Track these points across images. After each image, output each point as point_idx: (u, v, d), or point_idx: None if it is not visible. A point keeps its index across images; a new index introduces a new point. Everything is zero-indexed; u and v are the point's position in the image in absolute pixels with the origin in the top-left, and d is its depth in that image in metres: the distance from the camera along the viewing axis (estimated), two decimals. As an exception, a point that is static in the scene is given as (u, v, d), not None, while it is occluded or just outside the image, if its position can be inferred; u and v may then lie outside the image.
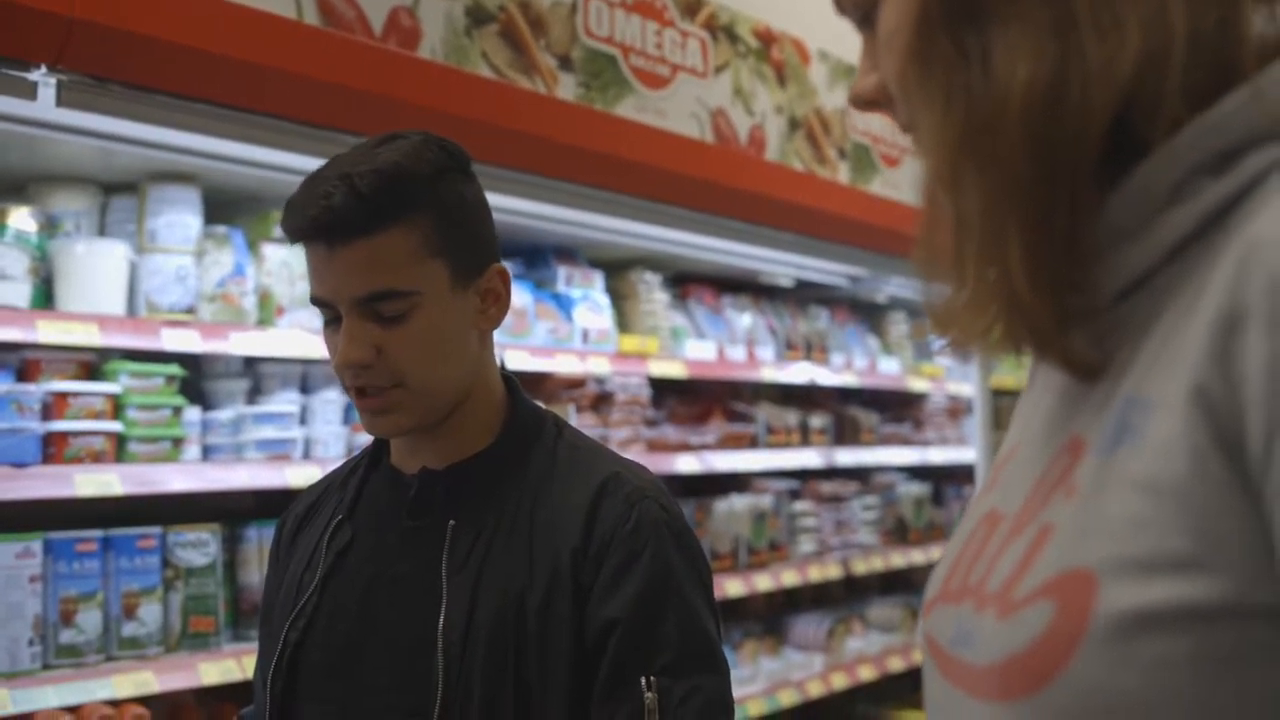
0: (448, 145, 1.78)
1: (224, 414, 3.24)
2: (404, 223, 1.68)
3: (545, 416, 1.87)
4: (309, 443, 3.38)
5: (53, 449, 2.85)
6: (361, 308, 1.67)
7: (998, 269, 0.80)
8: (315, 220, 1.65)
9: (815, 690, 4.76)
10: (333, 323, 1.72)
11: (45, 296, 2.96)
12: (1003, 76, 0.78)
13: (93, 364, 3.05)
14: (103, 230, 3.17)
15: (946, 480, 6.10)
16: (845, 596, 5.55)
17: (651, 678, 1.63)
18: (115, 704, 2.84)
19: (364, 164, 1.67)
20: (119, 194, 3.20)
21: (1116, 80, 0.76)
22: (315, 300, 1.72)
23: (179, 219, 3.13)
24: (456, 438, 1.79)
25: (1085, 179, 0.78)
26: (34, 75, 2.51)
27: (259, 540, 3.25)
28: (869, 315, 5.97)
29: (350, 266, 1.66)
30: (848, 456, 5.31)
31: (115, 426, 2.95)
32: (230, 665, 3.00)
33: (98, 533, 2.95)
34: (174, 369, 3.11)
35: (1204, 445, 0.71)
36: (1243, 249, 0.72)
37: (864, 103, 0.93)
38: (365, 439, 3.38)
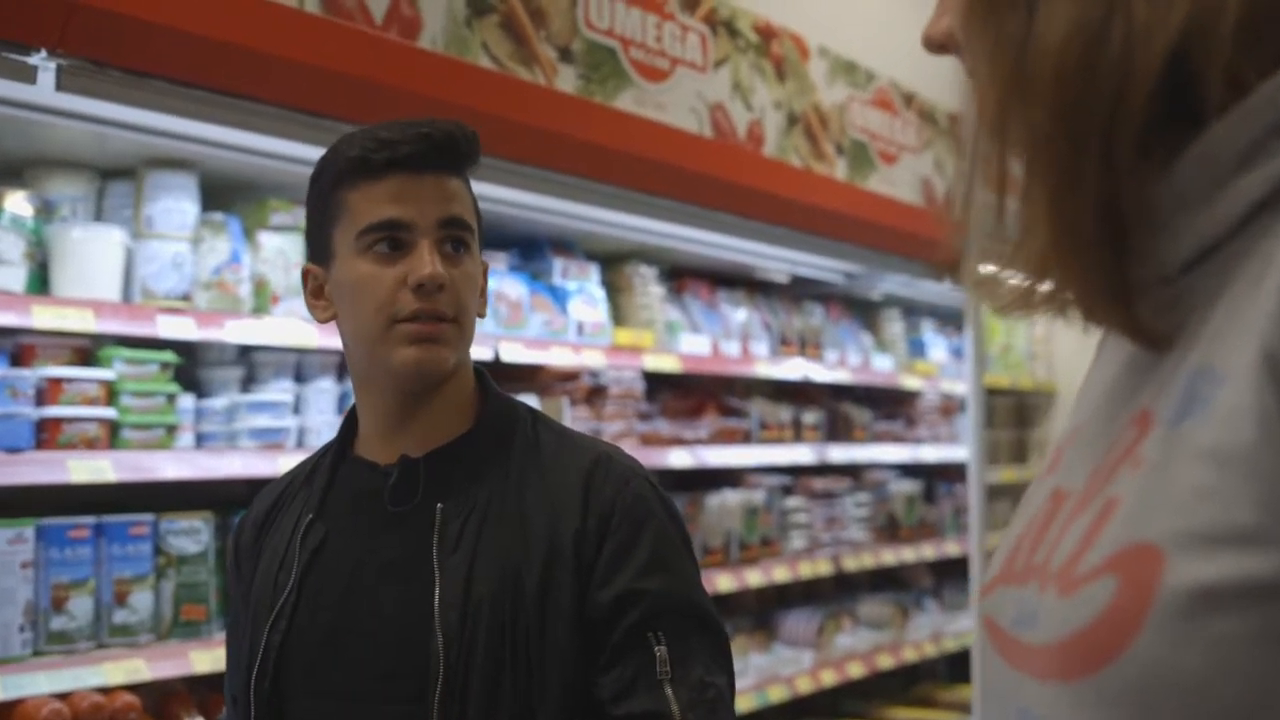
0: None
1: (218, 402, 3.23)
2: (467, 176, 1.83)
3: (517, 404, 1.90)
4: (302, 432, 3.37)
5: (46, 434, 2.84)
6: (440, 232, 1.75)
7: (1026, 227, 0.79)
8: (428, 141, 1.74)
9: (804, 686, 4.77)
10: (393, 251, 1.74)
11: (41, 281, 2.95)
12: (1043, 30, 0.76)
13: (87, 350, 3.04)
14: (99, 215, 3.16)
15: (938, 478, 6.10)
16: (836, 593, 5.55)
17: (660, 632, 1.69)
18: (106, 691, 2.84)
19: (442, 120, 1.79)
20: (116, 179, 3.19)
21: (1161, 43, 0.73)
22: (381, 226, 1.74)
23: (176, 205, 3.12)
24: (433, 425, 1.80)
25: (1126, 144, 0.75)
26: (34, 59, 2.50)
27: (252, 529, 3.24)
28: (863, 312, 5.97)
29: (438, 192, 1.76)
30: (840, 453, 5.31)
31: (109, 413, 2.94)
32: (221, 654, 2.97)
33: (90, 519, 2.94)
34: (169, 356, 3.10)
35: (1273, 412, 0.68)
36: None
37: (934, 46, 0.91)
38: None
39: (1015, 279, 0.83)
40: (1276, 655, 0.67)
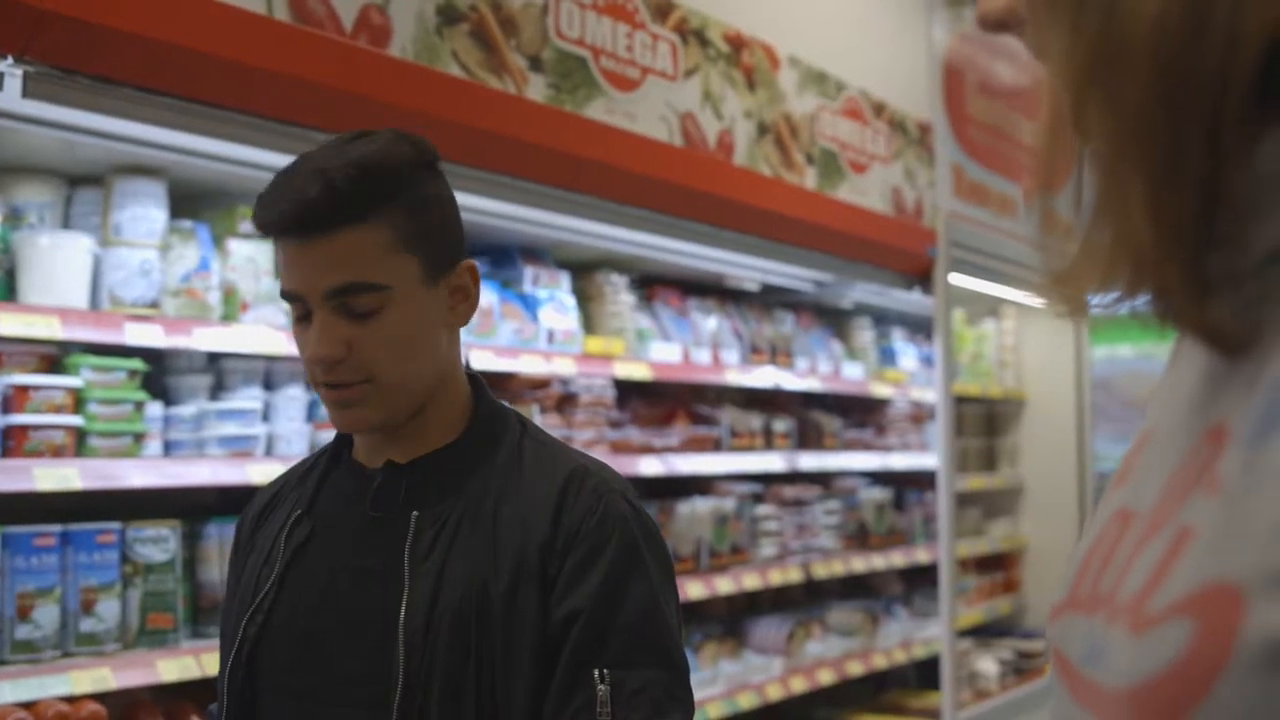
0: (418, 142, 1.80)
1: (186, 409, 3.22)
2: (377, 218, 1.69)
3: (509, 414, 1.89)
4: (272, 439, 3.36)
5: (12, 442, 2.83)
6: (333, 302, 1.69)
7: (1123, 218, 0.70)
8: (289, 214, 1.66)
9: (774, 693, 4.77)
10: (303, 319, 1.73)
11: (7, 288, 2.94)
12: (1130, 3, 0.68)
13: (54, 357, 3.03)
14: (67, 223, 3.15)
15: (908, 485, 6.13)
16: (806, 600, 5.56)
17: (604, 670, 1.65)
18: (72, 700, 2.82)
19: (337, 159, 1.68)
20: (84, 186, 3.18)
21: (1270, 10, 0.64)
22: (285, 295, 1.73)
23: (144, 213, 3.11)
24: (422, 434, 1.81)
25: (1229, 121, 0.66)
26: (1, 66, 2.49)
27: (219, 537, 3.23)
28: (834, 320, 5.99)
29: (323, 260, 1.68)
30: (810, 461, 5.33)
31: (76, 420, 2.93)
32: (189, 662, 2.99)
33: (56, 527, 2.93)
34: (136, 363, 3.09)
35: None
36: None
37: (992, 23, 0.82)
38: (328, 436, 3.38)
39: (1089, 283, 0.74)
40: None
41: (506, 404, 1.93)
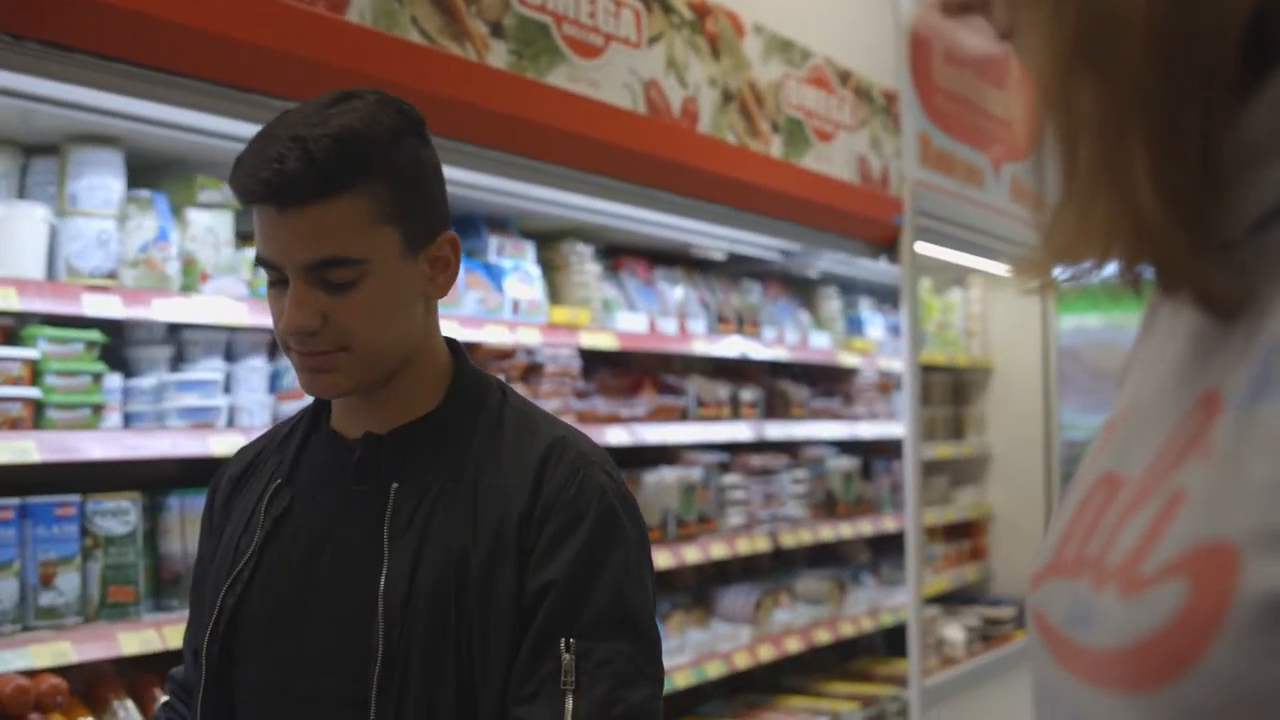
0: (404, 107, 1.76)
1: (146, 381, 3.20)
2: (357, 189, 1.66)
3: (490, 382, 1.88)
4: (233, 411, 3.34)
5: (-32, 415, 2.80)
6: (309, 274, 1.66)
7: (1120, 191, 0.69)
8: (267, 183, 1.63)
9: (742, 662, 4.78)
10: (278, 284, 1.70)
11: (-39, 259, 2.90)
12: None
13: (10, 329, 2.99)
14: (22, 192, 3.11)
15: (875, 454, 6.14)
16: (773, 569, 5.57)
17: (572, 640, 1.64)
18: (32, 674, 2.80)
19: (318, 126, 1.64)
20: (39, 156, 3.13)
21: None
22: (261, 261, 1.70)
23: (101, 182, 3.07)
24: (399, 402, 1.79)
25: (1222, 82, 0.67)
26: (-51, 32, 2.45)
27: (180, 509, 3.21)
28: (801, 290, 5.99)
29: (300, 232, 1.65)
30: (778, 430, 5.33)
31: (33, 393, 2.89)
32: (150, 635, 2.97)
33: (14, 500, 2.90)
34: (95, 335, 3.05)
35: None
36: None
37: (956, 6, 0.81)
38: (291, 407, 3.36)
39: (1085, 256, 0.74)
40: None
41: (486, 373, 1.91)
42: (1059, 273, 0.75)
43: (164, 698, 3.03)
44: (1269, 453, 0.63)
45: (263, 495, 1.83)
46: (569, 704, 1.62)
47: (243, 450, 2.00)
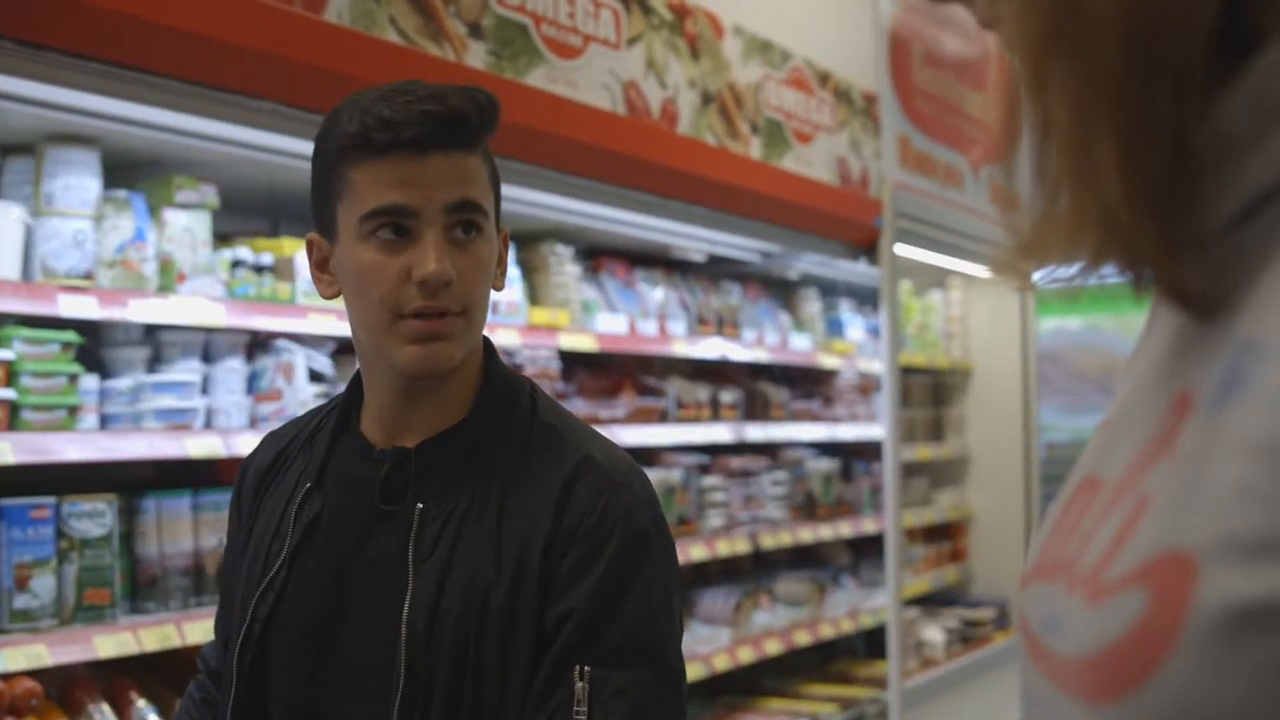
0: None
1: (122, 382, 3.18)
2: (483, 153, 1.73)
3: (521, 385, 1.84)
4: (210, 413, 3.32)
5: (-58, 416, 2.78)
6: (450, 219, 1.66)
7: (1090, 184, 0.67)
8: (434, 116, 1.63)
9: (722, 664, 4.78)
10: (397, 239, 1.66)
11: (-65, 259, 2.88)
12: None
13: (-15, 329, 2.97)
14: (-3, 192, 3.09)
15: (855, 456, 6.14)
16: (753, 571, 5.57)
17: (587, 668, 1.60)
18: (6, 677, 2.78)
19: (453, 91, 1.67)
20: (14, 155, 3.11)
21: None
22: (383, 211, 1.65)
23: (77, 182, 3.05)
24: (438, 406, 1.76)
25: (1193, 73, 0.65)
26: (-78, 30, 2.43)
27: (157, 511, 3.19)
28: (781, 292, 5.99)
29: (446, 174, 1.66)
30: (758, 432, 5.33)
31: (8, 394, 2.87)
32: (126, 638, 2.95)
33: (-11, 502, 2.88)
34: (70, 336, 3.03)
35: None
36: None
37: None
38: (268, 410, 3.35)
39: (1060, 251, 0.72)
40: None
41: (516, 374, 1.88)
42: (1039, 272, 0.74)
43: (142, 703, 3.02)
44: (1231, 457, 0.61)
45: (292, 497, 1.80)
46: None
47: (269, 439, 1.97)
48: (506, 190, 3.74)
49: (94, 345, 3.23)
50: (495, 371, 1.81)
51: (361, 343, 1.77)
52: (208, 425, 3.29)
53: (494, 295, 3.93)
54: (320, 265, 1.78)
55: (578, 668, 1.60)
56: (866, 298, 6.25)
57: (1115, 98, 0.66)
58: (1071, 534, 0.74)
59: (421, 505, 1.71)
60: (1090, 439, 0.83)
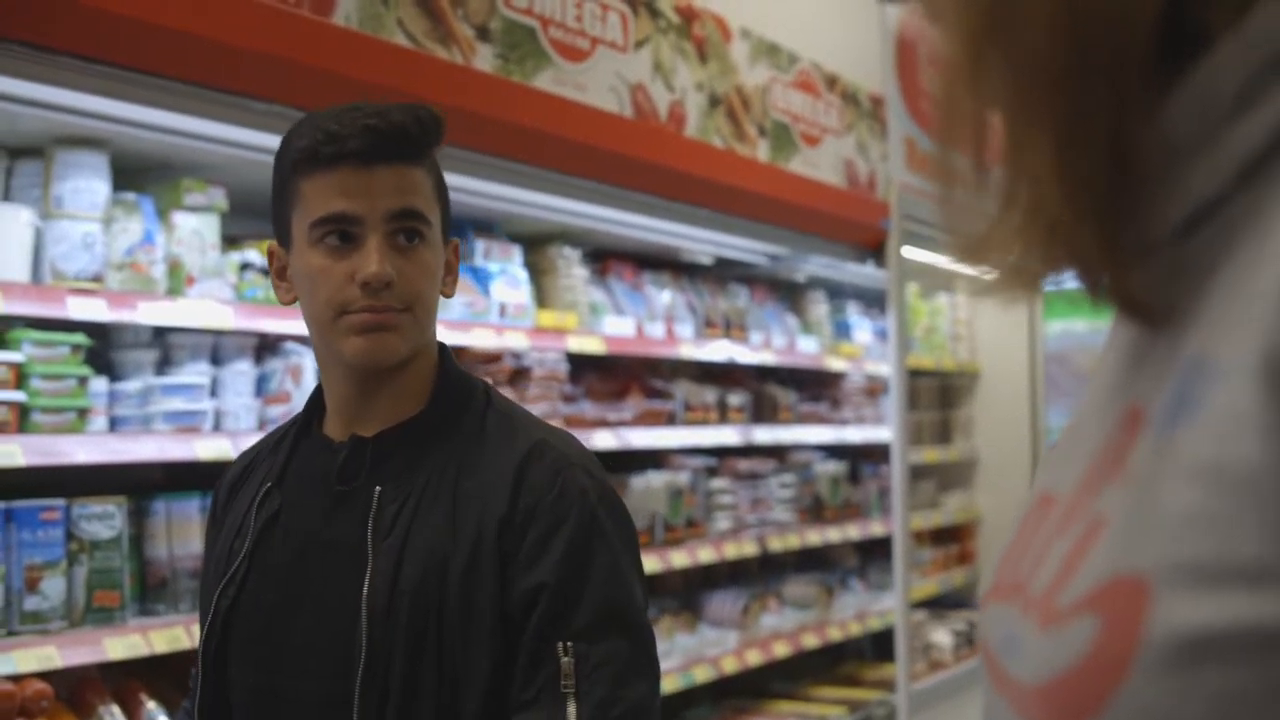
0: None
1: (131, 385, 3.19)
2: (427, 165, 1.82)
3: (475, 384, 1.91)
4: (219, 415, 3.33)
5: (-48, 418, 2.78)
6: (391, 226, 1.75)
7: (1030, 183, 0.66)
8: (376, 130, 1.73)
9: (730, 666, 4.78)
10: (339, 247, 1.75)
11: (-54, 262, 2.89)
12: None
13: (-5, 332, 2.98)
14: (7, 195, 3.10)
15: (863, 459, 6.14)
16: (761, 573, 5.57)
17: (568, 643, 1.67)
18: (16, 679, 2.78)
19: (391, 108, 1.77)
20: (24, 158, 3.12)
21: None
22: (329, 220, 1.75)
23: (86, 185, 3.06)
24: (393, 402, 1.83)
25: (1132, 72, 0.63)
26: (-67, 33, 2.44)
27: (166, 513, 3.20)
28: (788, 294, 5.99)
29: (387, 184, 1.75)
30: (765, 434, 5.33)
31: (18, 396, 2.88)
32: (136, 640, 2.95)
33: (-1, 504, 2.89)
34: (80, 338, 3.04)
35: (1277, 424, 0.56)
36: None
37: None
38: (277, 412, 3.35)
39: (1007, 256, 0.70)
40: None
41: (471, 375, 1.95)
42: (1010, 273, 0.71)
43: (152, 705, 3.03)
44: (1181, 481, 0.59)
45: (254, 499, 1.87)
46: (570, 708, 1.66)
47: (241, 456, 2.05)
48: (516, 193, 3.79)
49: (103, 348, 3.24)
50: (450, 371, 1.89)
51: (316, 344, 1.87)
52: (217, 427, 3.30)
53: (501, 297, 3.97)
54: (279, 273, 1.88)
55: (560, 644, 1.67)
56: (874, 300, 6.25)
57: (1050, 94, 0.64)
58: (1026, 553, 0.72)
59: (380, 488, 1.77)
60: (1047, 453, 0.81)
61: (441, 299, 1.87)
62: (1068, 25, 0.62)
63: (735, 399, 5.26)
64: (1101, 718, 0.59)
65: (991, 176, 0.69)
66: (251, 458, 2.00)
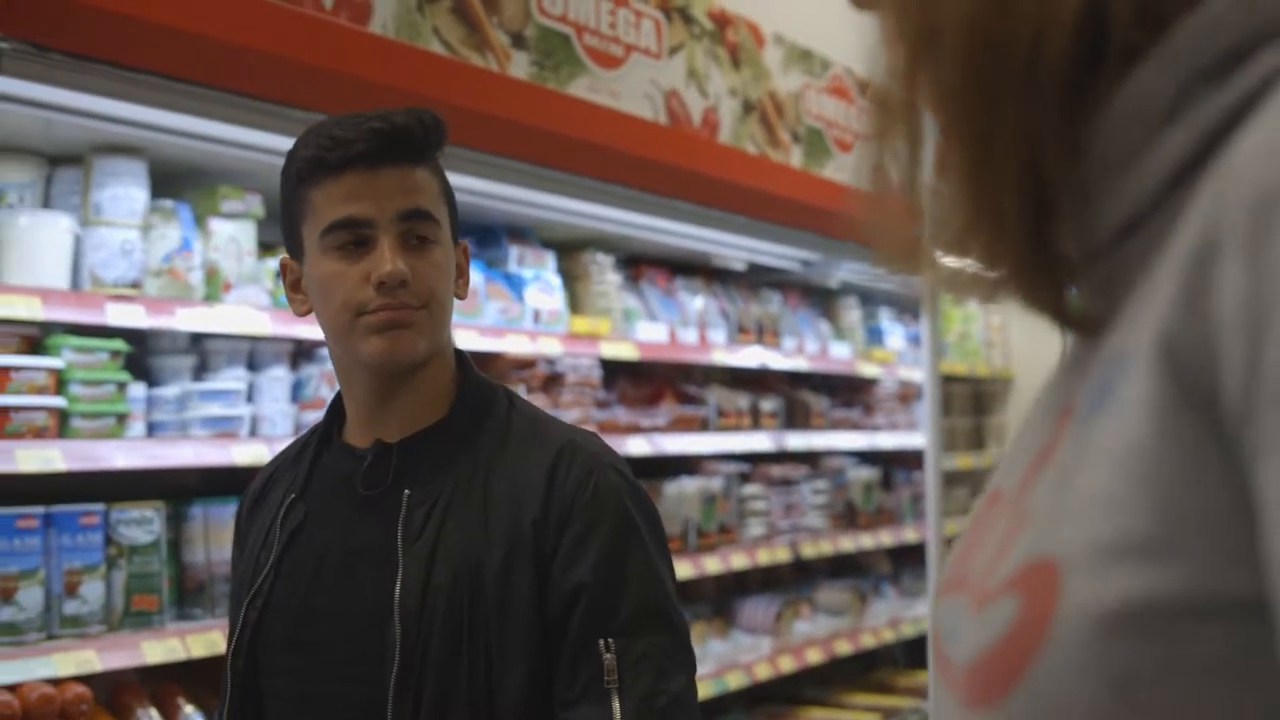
0: None
1: (169, 390, 3.21)
2: (433, 166, 1.83)
3: (496, 389, 1.91)
4: (255, 420, 3.35)
5: (-7, 424, 2.81)
6: (402, 226, 1.76)
7: (954, 205, 0.70)
8: (380, 133, 1.74)
9: (763, 673, 4.78)
10: (351, 251, 1.76)
11: (-13, 269, 2.92)
12: None
13: (35, 338, 3.00)
14: (47, 202, 3.13)
15: (896, 465, 6.12)
16: (794, 580, 5.56)
17: (609, 639, 1.69)
18: (56, 683, 2.81)
19: (400, 111, 1.79)
20: (64, 166, 3.15)
21: None
22: (341, 224, 1.76)
23: (125, 192, 3.09)
24: (414, 406, 1.83)
25: (1045, 98, 0.66)
26: (-25, 43, 2.47)
27: (204, 518, 3.22)
28: (821, 300, 5.98)
29: (395, 186, 1.76)
30: (798, 440, 5.32)
31: (58, 402, 2.91)
32: (174, 644, 2.97)
33: (39, 509, 2.91)
34: (118, 344, 3.07)
35: (1170, 403, 0.60)
36: (1226, 164, 0.59)
37: (855, 3, 0.80)
38: (312, 417, 3.37)
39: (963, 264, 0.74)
40: (1186, 689, 0.59)
41: (491, 380, 1.94)
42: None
43: (189, 709, 3.05)
44: (1093, 466, 0.63)
45: (278, 510, 1.87)
46: (615, 703, 1.67)
47: (261, 470, 2.05)
48: (550, 200, 3.80)
49: (141, 354, 3.26)
50: (471, 376, 1.89)
51: (334, 352, 1.87)
52: (253, 433, 3.32)
53: (535, 304, 3.98)
54: (293, 286, 1.88)
55: (601, 641, 1.69)
56: (906, 306, 6.24)
57: (962, 121, 0.68)
58: (976, 546, 0.75)
59: (409, 491, 1.77)
60: (1002, 454, 0.84)
61: (456, 294, 1.87)
62: (972, 61, 0.66)
63: (768, 405, 5.25)
64: (1017, 692, 0.63)
65: (916, 187, 0.72)
66: (271, 471, 2.00)
